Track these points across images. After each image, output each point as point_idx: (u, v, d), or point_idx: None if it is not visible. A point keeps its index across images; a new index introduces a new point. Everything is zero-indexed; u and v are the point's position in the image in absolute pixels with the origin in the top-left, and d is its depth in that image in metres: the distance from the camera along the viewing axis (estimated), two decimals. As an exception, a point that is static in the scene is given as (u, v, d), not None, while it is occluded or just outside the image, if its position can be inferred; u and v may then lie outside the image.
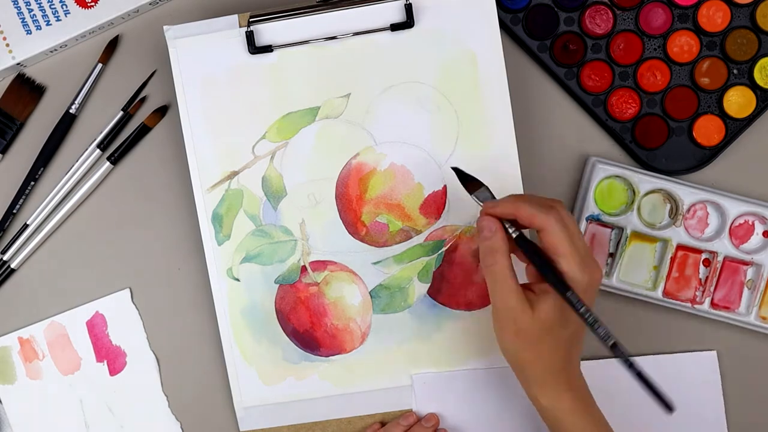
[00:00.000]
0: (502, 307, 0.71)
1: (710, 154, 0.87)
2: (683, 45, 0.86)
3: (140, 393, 0.87)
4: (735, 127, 0.87)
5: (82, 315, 0.86)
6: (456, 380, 0.85)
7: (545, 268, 0.70)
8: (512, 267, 0.71)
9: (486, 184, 0.75)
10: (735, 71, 0.86)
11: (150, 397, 0.87)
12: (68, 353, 0.86)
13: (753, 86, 0.86)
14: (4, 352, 0.86)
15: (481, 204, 0.74)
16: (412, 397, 0.85)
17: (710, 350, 0.87)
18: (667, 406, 0.66)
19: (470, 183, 0.76)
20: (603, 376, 0.85)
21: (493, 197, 0.74)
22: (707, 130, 0.87)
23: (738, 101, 0.86)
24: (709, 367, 0.87)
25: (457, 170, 0.76)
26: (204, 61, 0.82)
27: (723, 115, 0.86)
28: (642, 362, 0.85)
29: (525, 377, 0.73)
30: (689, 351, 0.87)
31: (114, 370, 0.86)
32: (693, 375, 0.86)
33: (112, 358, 0.86)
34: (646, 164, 0.87)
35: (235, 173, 0.83)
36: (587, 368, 0.85)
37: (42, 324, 0.86)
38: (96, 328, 0.86)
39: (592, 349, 0.85)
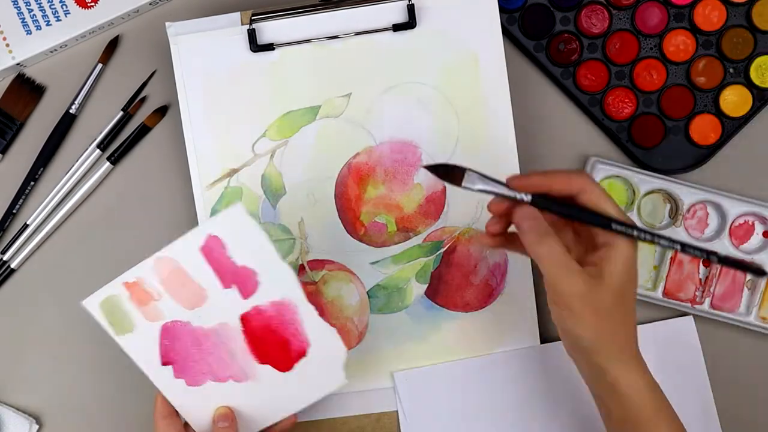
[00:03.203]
0: (571, 293, 0.66)
1: (707, 153, 0.87)
2: (679, 44, 0.86)
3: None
4: (731, 126, 0.87)
5: (193, 242, 0.73)
6: (438, 374, 0.85)
7: (598, 218, 0.67)
8: (566, 248, 0.67)
9: (468, 167, 0.69)
10: (731, 70, 0.87)
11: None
12: (189, 287, 0.74)
13: (749, 85, 0.86)
14: (114, 302, 0.74)
15: (476, 189, 0.68)
16: (395, 396, 0.85)
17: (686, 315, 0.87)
18: (761, 271, 0.67)
19: (452, 174, 0.69)
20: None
21: (483, 176, 0.68)
22: (703, 129, 0.87)
23: (734, 100, 0.87)
24: (687, 331, 0.86)
25: (430, 168, 0.70)
26: (205, 58, 0.83)
27: (719, 114, 0.87)
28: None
29: (601, 358, 0.68)
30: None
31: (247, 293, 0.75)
32: (673, 341, 0.86)
33: (241, 281, 0.74)
34: (643, 163, 0.87)
35: (234, 171, 0.83)
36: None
37: (147, 263, 0.73)
38: (214, 252, 0.73)
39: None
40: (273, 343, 0.75)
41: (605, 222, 0.67)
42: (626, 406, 0.69)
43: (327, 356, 0.75)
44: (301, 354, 0.75)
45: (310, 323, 0.74)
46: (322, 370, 0.76)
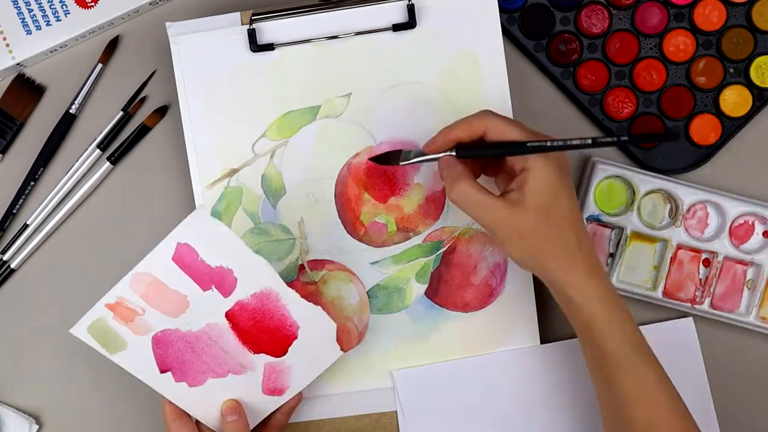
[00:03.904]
0: (493, 223, 0.71)
1: (707, 154, 0.87)
2: (679, 44, 0.86)
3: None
4: (731, 126, 0.87)
5: (163, 253, 0.74)
6: (438, 374, 0.85)
7: (501, 146, 0.72)
8: (480, 186, 0.72)
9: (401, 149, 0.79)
10: (731, 70, 0.87)
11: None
12: (169, 296, 0.76)
13: (749, 85, 0.86)
14: (101, 325, 0.76)
15: (416, 160, 0.77)
16: (395, 396, 0.85)
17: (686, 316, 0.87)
18: (672, 136, 0.76)
19: (393, 157, 0.78)
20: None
21: (420, 153, 0.77)
22: (703, 129, 0.87)
23: (734, 100, 0.87)
24: (686, 333, 0.86)
25: (375, 159, 0.80)
26: (205, 58, 0.83)
27: (719, 114, 0.87)
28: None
29: (549, 273, 0.72)
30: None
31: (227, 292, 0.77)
32: (672, 343, 0.86)
33: (219, 281, 0.76)
34: (643, 163, 0.87)
35: (234, 171, 0.83)
36: (567, 348, 0.85)
37: (124, 281, 0.75)
38: (186, 258, 0.75)
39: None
40: (263, 333, 0.77)
41: (518, 147, 0.71)
42: (578, 317, 0.72)
43: (318, 334, 0.78)
44: (293, 337, 0.78)
45: (295, 307, 0.77)
46: (316, 348, 0.79)
